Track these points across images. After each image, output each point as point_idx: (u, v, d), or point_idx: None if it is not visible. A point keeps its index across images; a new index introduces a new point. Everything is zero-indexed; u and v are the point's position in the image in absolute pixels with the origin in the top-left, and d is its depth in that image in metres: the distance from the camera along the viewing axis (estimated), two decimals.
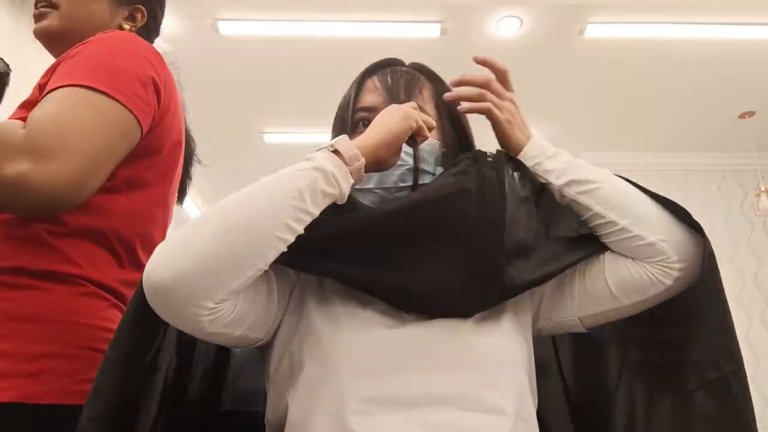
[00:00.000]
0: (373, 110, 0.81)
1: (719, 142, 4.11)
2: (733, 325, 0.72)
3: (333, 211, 0.67)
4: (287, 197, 0.62)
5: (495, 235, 0.71)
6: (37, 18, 0.95)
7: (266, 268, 0.63)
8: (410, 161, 0.78)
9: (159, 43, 1.09)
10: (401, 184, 0.78)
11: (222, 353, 0.85)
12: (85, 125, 0.73)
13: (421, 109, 0.81)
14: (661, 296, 0.74)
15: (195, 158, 1.14)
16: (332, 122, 0.88)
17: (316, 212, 0.64)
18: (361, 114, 0.82)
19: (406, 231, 0.68)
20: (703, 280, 0.72)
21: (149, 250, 0.89)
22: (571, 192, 0.75)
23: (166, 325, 0.71)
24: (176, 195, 1.01)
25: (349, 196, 0.69)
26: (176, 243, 0.61)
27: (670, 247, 0.72)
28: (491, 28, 2.94)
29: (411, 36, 2.92)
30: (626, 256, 0.74)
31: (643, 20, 2.91)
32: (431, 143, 0.81)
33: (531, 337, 0.78)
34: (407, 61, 0.92)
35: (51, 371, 0.74)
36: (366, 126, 0.77)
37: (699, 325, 0.73)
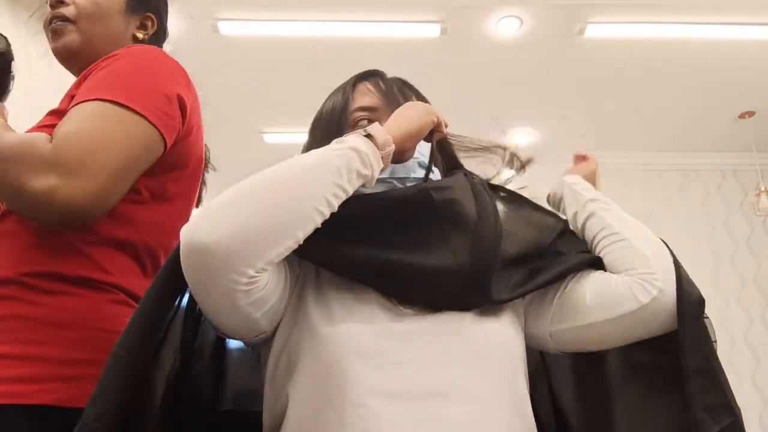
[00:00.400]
0: (373, 110, 0.81)
1: (719, 142, 4.11)
2: (723, 372, 0.72)
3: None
4: (327, 171, 0.63)
5: (493, 237, 0.75)
6: (55, 34, 0.94)
7: (302, 241, 0.63)
8: (421, 155, 0.79)
9: None
10: (413, 175, 0.78)
11: (221, 352, 0.85)
12: (110, 141, 0.76)
13: None
14: (630, 320, 0.73)
15: (210, 165, 1.16)
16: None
17: (350, 190, 0.66)
18: (359, 114, 0.82)
19: (418, 214, 0.71)
20: (688, 326, 0.72)
21: None
22: (593, 206, 0.83)
23: (169, 323, 0.71)
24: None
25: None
26: (219, 208, 0.61)
27: (658, 266, 0.74)
28: (491, 28, 2.94)
29: (411, 36, 2.92)
30: (613, 269, 0.77)
31: (642, 20, 2.91)
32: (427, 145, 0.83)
33: (524, 339, 0.78)
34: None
35: (86, 377, 0.74)
36: (367, 125, 0.77)
37: (690, 378, 0.71)
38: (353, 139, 0.67)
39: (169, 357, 0.73)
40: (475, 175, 0.84)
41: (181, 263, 0.62)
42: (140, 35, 1.01)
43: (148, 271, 0.89)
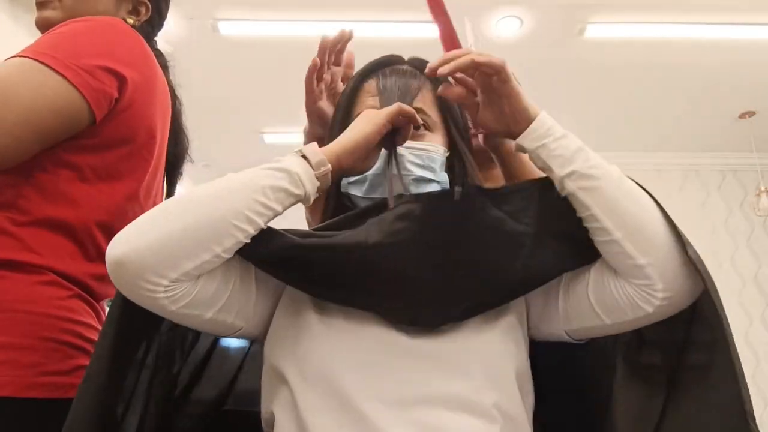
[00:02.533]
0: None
1: (719, 142, 4.11)
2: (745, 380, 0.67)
3: (328, 211, 0.71)
4: (248, 190, 0.64)
5: (443, 281, 0.70)
6: (40, 6, 0.94)
7: (226, 255, 0.64)
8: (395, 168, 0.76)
9: (159, 43, 1.09)
10: (386, 196, 0.75)
11: (221, 352, 0.85)
12: (14, 95, 0.73)
13: (422, 111, 0.80)
14: (645, 320, 0.70)
15: (188, 156, 1.12)
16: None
17: (279, 209, 0.66)
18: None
19: (354, 265, 0.69)
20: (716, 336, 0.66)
21: None
22: (572, 185, 0.69)
23: (158, 324, 0.72)
24: (155, 192, 0.99)
25: (350, 198, 0.75)
26: (136, 223, 0.63)
27: (658, 273, 0.66)
28: (491, 28, 2.93)
29: (411, 36, 2.92)
30: (611, 270, 0.70)
31: (643, 20, 2.91)
32: (435, 148, 0.79)
33: (525, 341, 0.76)
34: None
35: (9, 363, 0.72)
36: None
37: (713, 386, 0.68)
38: (288, 159, 0.68)
39: (155, 355, 0.74)
40: (457, 189, 0.73)
41: None
42: (130, 20, 0.98)
43: (90, 253, 0.84)
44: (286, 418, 0.67)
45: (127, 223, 0.80)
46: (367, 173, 0.77)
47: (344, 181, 0.80)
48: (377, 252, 0.68)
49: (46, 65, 0.75)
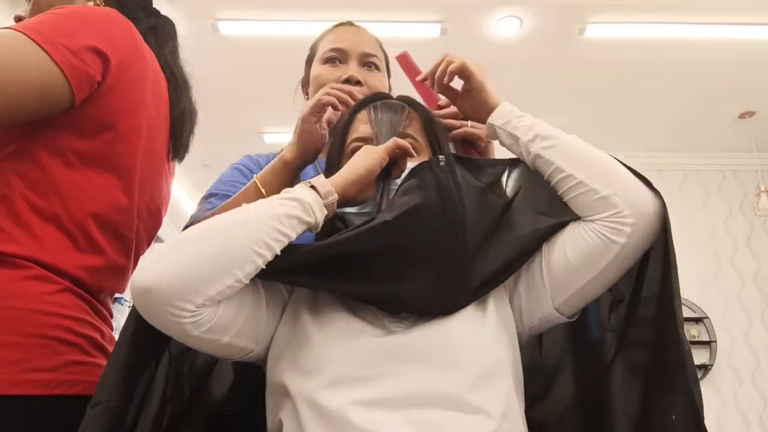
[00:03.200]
0: (368, 140, 0.86)
1: (719, 142, 4.11)
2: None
3: (323, 234, 0.76)
4: (267, 218, 0.69)
5: (456, 241, 0.76)
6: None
7: (245, 280, 0.68)
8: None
9: None
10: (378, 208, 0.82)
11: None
12: None
13: (411, 136, 0.87)
14: (621, 260, 0.74)
15: (203, 162, 1.11)
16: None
17: (293, 235, 0.71)
18: (355, 144, 0.87)
19: (381, 246, 0.74)
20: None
21: (108, 233, 0.85)
22: (536, 147, 0.80)
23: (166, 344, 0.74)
24: (153, 189, 0.97)
25: (344, 220, 0.82)
26: (161, 250, 0.67)
27: (622, 200, 0.73)
28: (491, 28, 2.94)
29: (411, 36, 2.92)
30: (582, 221, 0.76)
31: (642, 20, 2.91)
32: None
33: (516, 339, 0.78)
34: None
35: None
36: None
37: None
38: (299, 190, 0.74)
39: (167, 359, 0.75)
40: (440, 159, 0.83)
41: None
42: (91, 2, 0.95)
43: (80, 245, 0.81)
44: (291, 427, 0.69)
45: (119, 213, 0.81)
46: None
47: None
48: (399, 226, 0.73)
49: (32, 40, 0.74)
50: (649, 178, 0.79)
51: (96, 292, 0.85)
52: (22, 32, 0.75)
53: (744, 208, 4.22)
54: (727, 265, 4.10)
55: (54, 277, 0.78)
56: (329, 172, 0.84)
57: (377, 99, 0.92)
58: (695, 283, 3.87)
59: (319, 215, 0.73)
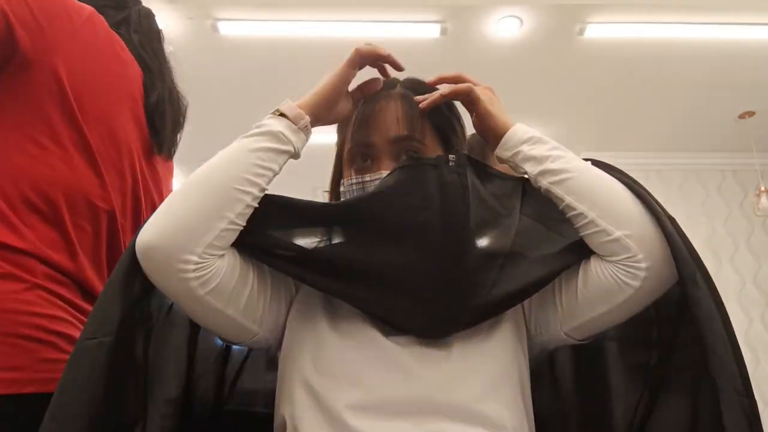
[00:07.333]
0: (372, 146, 0.82)
1: (719, 142, 4.11)
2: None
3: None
4: (242, 155, 0.71)
5: (459, 248, 0.72)
6: None
7: (240, 221, 0.69)
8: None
9: None
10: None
11: (222, 352, 0.85)
12: None
13: (415, 138, 0.81)
14: (635, 302, 0.71)
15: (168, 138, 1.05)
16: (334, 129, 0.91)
17: (275, 167, 0.72)
18: (360, 149, 0.83)
19: (360, 219, 0.74)
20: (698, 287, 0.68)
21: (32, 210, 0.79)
22: (545, 182, 0.76)
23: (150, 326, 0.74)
24: (126, 175, 0.94)
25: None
26: (158, 212, 0.69)
27: (636, 243, 0.69)
28: (491, 28, 2.94)
29: (411, 36, 2.92)
30: (598, 258, 0.73)
31: (642, 20, 2.91)
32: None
33: (526, 351, 0.77)
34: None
35: None
36: (365, 160, 0.82)
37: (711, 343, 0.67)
38: (268, 121, 0.75)
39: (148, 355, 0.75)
40: (450, 158, 0.77)
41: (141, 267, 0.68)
42: None
43: (19, 229, 0.78)
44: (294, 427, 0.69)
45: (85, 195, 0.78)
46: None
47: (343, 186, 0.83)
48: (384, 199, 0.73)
49: None
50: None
51: (80, 281, 0.83)
52: None
53: (744, 208, 4.22)
54: (727, 265, 4.10)
55: (22, 275, 0.76)
56: (336, 180, 0.87)
57: (384, 90, 0.87)
58: None
59: (295, 140, 0.74)
